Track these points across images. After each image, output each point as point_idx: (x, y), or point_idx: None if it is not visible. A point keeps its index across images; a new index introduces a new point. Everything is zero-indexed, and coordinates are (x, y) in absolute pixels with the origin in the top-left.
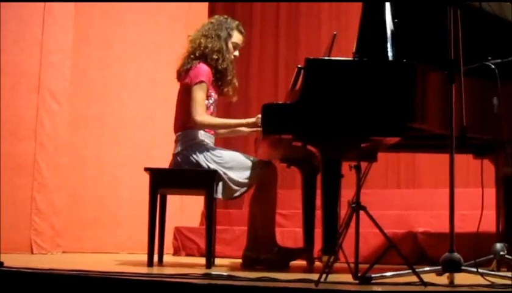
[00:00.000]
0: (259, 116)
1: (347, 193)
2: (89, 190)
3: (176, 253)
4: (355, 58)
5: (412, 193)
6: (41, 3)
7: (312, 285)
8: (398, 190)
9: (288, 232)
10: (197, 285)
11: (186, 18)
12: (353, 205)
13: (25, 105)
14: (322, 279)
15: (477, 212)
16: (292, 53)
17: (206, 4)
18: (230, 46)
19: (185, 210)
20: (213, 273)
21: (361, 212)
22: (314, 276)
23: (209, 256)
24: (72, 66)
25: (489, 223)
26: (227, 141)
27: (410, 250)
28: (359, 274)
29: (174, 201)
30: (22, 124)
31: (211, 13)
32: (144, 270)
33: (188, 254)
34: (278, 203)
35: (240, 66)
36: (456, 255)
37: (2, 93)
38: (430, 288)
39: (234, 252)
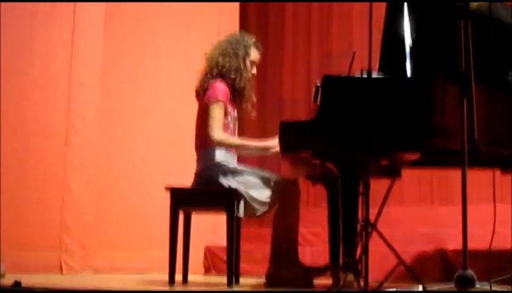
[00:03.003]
0: (277, 138)
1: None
2: (121, 208)
3: (207, 272)
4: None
5: (445, 210)
6: (71, 15)
7: None
8: (432, 207)
9: (318, 250)
10: None
11: (218, 28)
12: (362, 223)
13: (54, 123)
14: None
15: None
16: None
17: (237, 15)
18: (248, 64)
19: (218, 229)
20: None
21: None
22: None
23: (231, 274)
24: (101, 84)
25: None
26: (261, 161)
27: (440, 268)
28: None
29: (206, 220)
30: (52, 138)
31: (242, 23)
32: (165, 288)
33: (218, 274)
34: (310, 221)
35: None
36: (470, 272)
37: (31, 105)
38: None
39: (263, 271)
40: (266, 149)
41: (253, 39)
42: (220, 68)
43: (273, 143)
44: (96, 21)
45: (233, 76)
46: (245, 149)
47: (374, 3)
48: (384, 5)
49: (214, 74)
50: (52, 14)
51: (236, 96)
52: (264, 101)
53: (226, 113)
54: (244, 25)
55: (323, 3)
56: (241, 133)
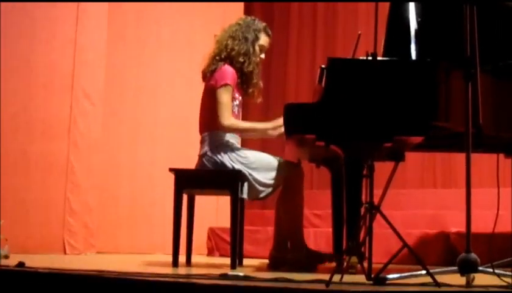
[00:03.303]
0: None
1: (390, 193)
2: (123, 189)
3: (210, 253)
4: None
5: (448, 192)
6: (74, 6)
7: (324, 286)
8: (434, 190)
9: (321, 232)
10: (209, 286)
11: (222, 18)
12: (366, 205)
13: (58, 104)
14: (338, 280)
15: None
16: (330, 53)
17: (242, 5)
18: (257, 48)
19: (221, 210)
20: (230, 273)
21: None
22: (337, 278)
23: (234, 256)
24: (107, 65)
25: None
26: (264, 144)
27: (443, 250)
28: (372, 275)
29: (209, 202)
30: (55, 123)
31: (247, 14)
32: (168, 270)
33: (221, 255)
34: (313, 203)
35: (277, 66)
36: (473, 256)
37: (34, 92)
38: (444, 289)
39: (267, 252)
40: (275, 128)
41: (264, 24)
42: (229, 51)
43: (280, 121)
44: (99, 14)
45: (241, 60)
46: (254, 132)
47: (380, 3)
48: (388, 5)
49: (223, 56)
50: (54, 6)
51: (244, 80)
52: (268, 92)
53: (233, 98)
54: None
55: (328, 4)
56: (245, 119)
